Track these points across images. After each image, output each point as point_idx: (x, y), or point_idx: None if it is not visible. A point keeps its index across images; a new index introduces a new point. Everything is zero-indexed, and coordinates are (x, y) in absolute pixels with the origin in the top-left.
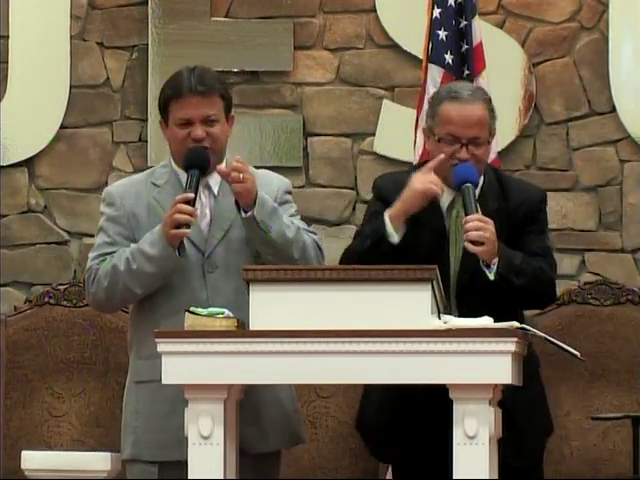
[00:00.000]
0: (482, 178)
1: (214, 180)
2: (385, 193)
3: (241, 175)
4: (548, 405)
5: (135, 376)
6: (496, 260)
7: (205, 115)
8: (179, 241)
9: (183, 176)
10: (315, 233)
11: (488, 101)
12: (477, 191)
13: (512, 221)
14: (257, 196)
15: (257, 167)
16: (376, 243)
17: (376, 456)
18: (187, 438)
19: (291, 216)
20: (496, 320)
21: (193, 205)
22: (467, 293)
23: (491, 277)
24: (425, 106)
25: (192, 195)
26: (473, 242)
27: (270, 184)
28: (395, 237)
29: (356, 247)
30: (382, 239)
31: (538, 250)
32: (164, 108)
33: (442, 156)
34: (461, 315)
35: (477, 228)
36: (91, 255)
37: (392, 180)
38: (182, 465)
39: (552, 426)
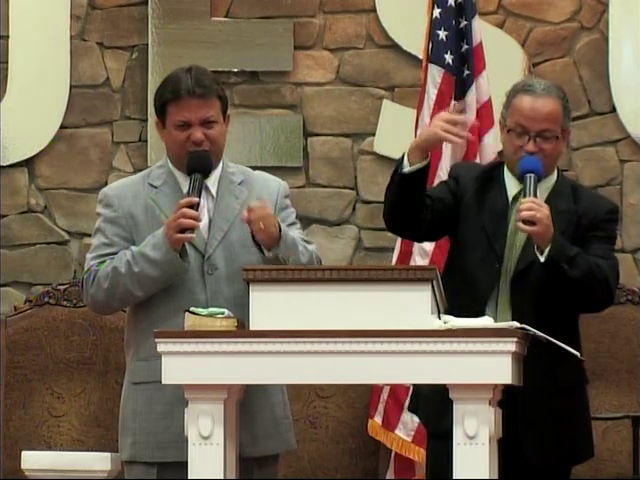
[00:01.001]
0: (555, 178)
1: (212, 181)
2: (456, 172)
3: (261, 224)
4: (590, 428)
5: (133, 377)
6: (549, 247)
7: (204, 117)
8: (182, 245)
9: (181, 177)
10: (311, 242)
11: (563, 98)
12: (548, 190)
13: (579, 224)
14: (280, 235)
15: (257, 167)
16: (392, 176)
17: (429, 426)
18: (187, 438)
19: (292, 224)
20: (548, 324)
21: (197, 209)
22: (521, 283)
23: (541, 259)
24: (425, 106)
25: (197, 199)
26: (525, 222)
27: (268, 187)
28: (406, 167)
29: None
30: (396, 171)
31: (599, 253)
32: (161, 110)
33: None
34: (514, 305)
35: (529, 208)
36: (89, 256)
37: (470, 168)
38: (181, 466)
39: (591, 451)
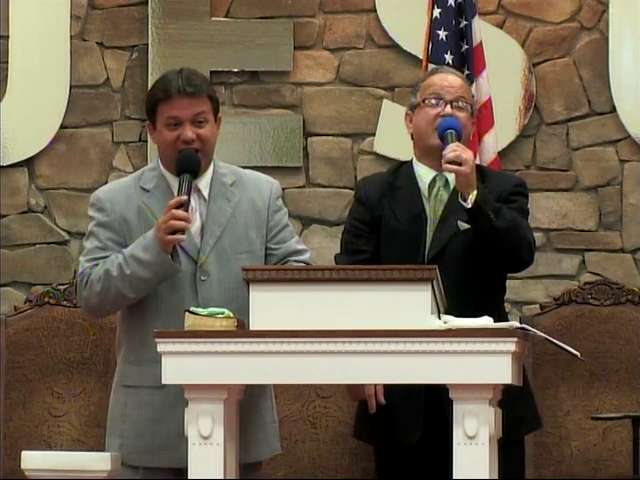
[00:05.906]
0: None
1: (204, 183)
2: (365, 196)
3: None
4: (533, 399)
5: (123, 379)
6: (474, 193)
7: (194, 114)
8: (172, 246)
9: (172, 180)
10: (306, 250)
11: (467, 81)
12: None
13: None
14: None
15: (257, 167)
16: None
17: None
18: (187, 438)
19: (285, 226)
20: (467, 301)
21: (186, 210)
22: (437, 264)
23: (467, 205)
24: None
25: (185, 198)
26: (451, 164)
27: (260, 190)
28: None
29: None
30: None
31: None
32: (152, 110)
33: None
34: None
35: (455, 150)
36: (82, 259)
37: (373, 182)
38: (168, 472)
39: (537, 422)
